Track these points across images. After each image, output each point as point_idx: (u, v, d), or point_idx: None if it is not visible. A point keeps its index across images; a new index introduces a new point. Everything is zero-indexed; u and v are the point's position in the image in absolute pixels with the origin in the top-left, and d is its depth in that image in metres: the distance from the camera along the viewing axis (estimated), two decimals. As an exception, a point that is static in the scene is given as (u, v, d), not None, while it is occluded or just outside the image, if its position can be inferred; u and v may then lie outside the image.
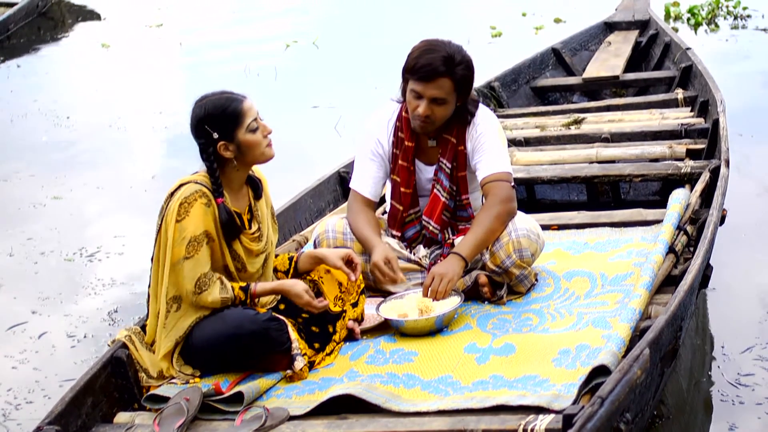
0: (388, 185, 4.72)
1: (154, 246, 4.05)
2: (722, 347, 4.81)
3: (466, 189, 4.58)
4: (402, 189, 4.62)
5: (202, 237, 3.97)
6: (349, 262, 4.23)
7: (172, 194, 4.02)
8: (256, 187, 4.22)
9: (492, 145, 4.50)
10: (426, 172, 4.62)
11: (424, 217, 4.61)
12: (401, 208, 4.63)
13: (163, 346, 4.01)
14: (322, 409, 3.74)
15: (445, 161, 4.55)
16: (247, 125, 4.04)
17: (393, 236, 4.67)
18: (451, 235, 4.60)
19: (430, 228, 4.59)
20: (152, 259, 4.07)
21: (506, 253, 4.41)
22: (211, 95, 4.09)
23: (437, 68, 4.36)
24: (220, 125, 4.02)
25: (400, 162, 4.60)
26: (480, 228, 4.39)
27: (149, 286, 4.10)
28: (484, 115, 4.59)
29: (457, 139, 4.54)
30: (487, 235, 4.38)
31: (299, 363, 4.01)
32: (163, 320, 4.00)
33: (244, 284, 4.06)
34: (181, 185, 4.02)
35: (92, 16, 14.83)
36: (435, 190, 4.58)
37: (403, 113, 4.60)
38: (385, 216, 4.80)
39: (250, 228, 4.14)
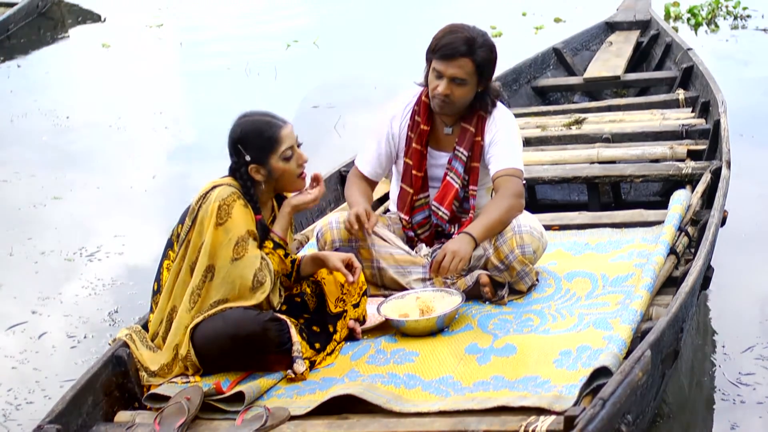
0: (394, 179, 4.75)
1: (173, 245, 4.05)
2: (723, 347, 4.81)
3: (476, 181, 4.61)
4: (413, 172, 4.65)
5: (247, 236, 3.98)
6: (349, 266, 4.23)
7: (204, 196, 4.01)
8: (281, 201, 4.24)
9: (508, 142, 4.56)
10: (438, 159, 4.65)
11: (433, 202, 4.64)
12: (411, 191, 4.66)
13: (185, 345, 4.00)
14: (322, 408, 3.74)
15: (461, 149, 4.59)
16: (281, 153, 4.03)
17: (401, 219, 4.69)
18: (456, 230, 4.61)
19: (440, 214, 4.61)
20: (166, 256, 4.07)
21: (509, 248, 4.42)
22: (252, 114, 4.09)
23: (458, 48, 4.45)
24: (254, 148, 4.02)
25: (413, 145, 4.65)
26: (491, 214, 4.42)
27: (156, 281, 4.10)
28: (504, 112, 4.66)
29: (476, 130, 4.59)
30: (497, 221, 4.41)
31: (299, 366, 4.00)
32: (189, 321, 3.99)
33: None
34: (214, 187, 4.02)
35: (92, 16, 14.82)
36: (448, 178, 4.61)
37: (423, 97, 4.66)
38: (387, 215, 4.83)
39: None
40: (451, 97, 4.51)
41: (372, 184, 4.77)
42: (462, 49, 4.45)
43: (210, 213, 3.96)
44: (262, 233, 4.09)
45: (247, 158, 4.02)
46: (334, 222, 4.59)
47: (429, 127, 4.64)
